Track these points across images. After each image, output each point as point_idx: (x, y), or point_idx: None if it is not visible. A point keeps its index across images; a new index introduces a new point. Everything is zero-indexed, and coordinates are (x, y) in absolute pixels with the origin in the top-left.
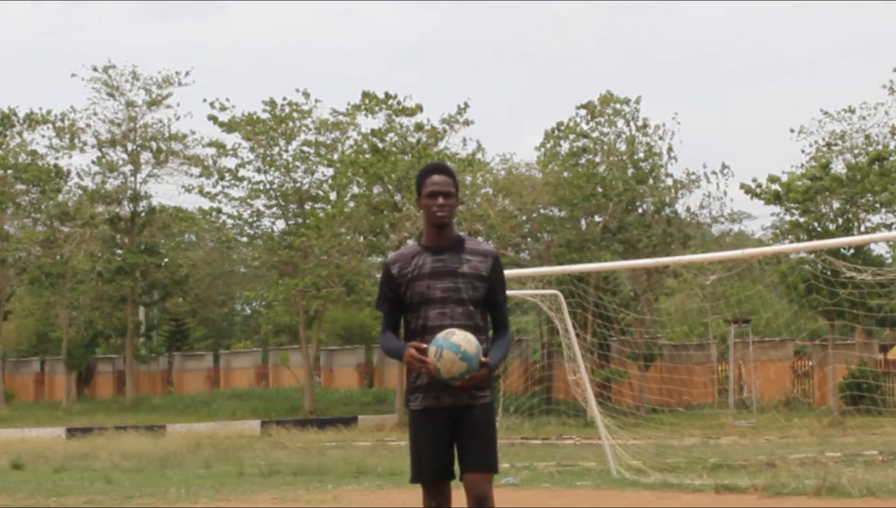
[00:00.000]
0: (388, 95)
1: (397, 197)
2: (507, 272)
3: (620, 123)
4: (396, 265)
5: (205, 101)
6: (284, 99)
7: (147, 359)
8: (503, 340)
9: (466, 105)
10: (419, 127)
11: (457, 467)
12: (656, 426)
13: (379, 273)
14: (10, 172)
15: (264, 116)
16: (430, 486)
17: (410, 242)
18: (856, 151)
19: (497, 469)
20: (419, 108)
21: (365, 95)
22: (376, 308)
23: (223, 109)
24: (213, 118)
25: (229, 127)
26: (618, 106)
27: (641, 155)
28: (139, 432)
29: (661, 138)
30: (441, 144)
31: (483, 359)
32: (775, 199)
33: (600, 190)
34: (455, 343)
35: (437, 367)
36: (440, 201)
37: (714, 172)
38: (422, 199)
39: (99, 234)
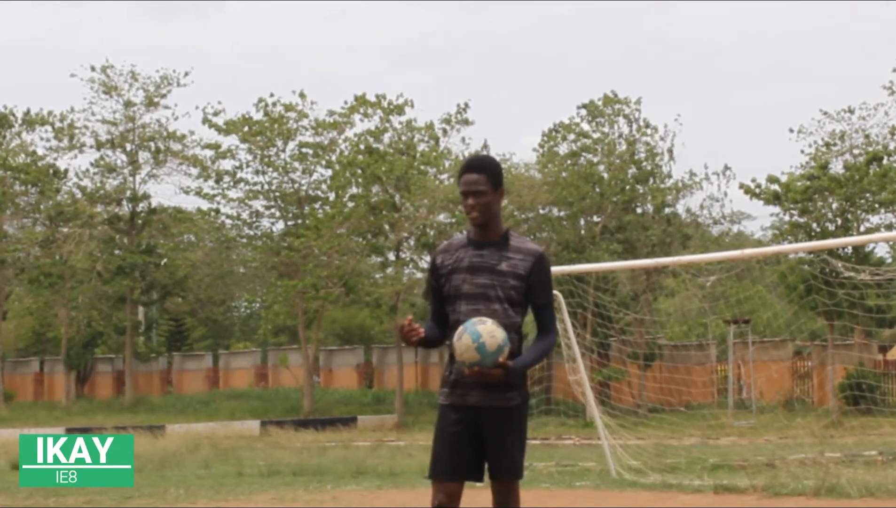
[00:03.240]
0: (379, 97)
1: (396, 197)
2: None
3: (623, 123)
4: (441, 256)
5: (197, 107)
6: (272, 95)
7: (146, 359)
8: (541, 343)
9: (467, 105)
10: (409, 125)
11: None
12: (656, 426)
13: (378, 274)
14: (9, 172)
15: (258, 116)
16: (441, 485)
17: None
18: (855, 152)
19: (521, 475)
20: (408, 103)
21: (358, 98)
22: (424, 298)
23: (216, 113)
24: (207, 121)
25: (226, 130)
26: (619, 107)
27: (643, 155)
28: (138, 432)
29: (662, 139)
30: (441, 145)
31: (501, 360)
32: (774, 199)
33: (598, 190)
34: (477, 332)
35: (454, 345)
36: (470, 201)
37: (715, 173)
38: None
39: (98, 234)
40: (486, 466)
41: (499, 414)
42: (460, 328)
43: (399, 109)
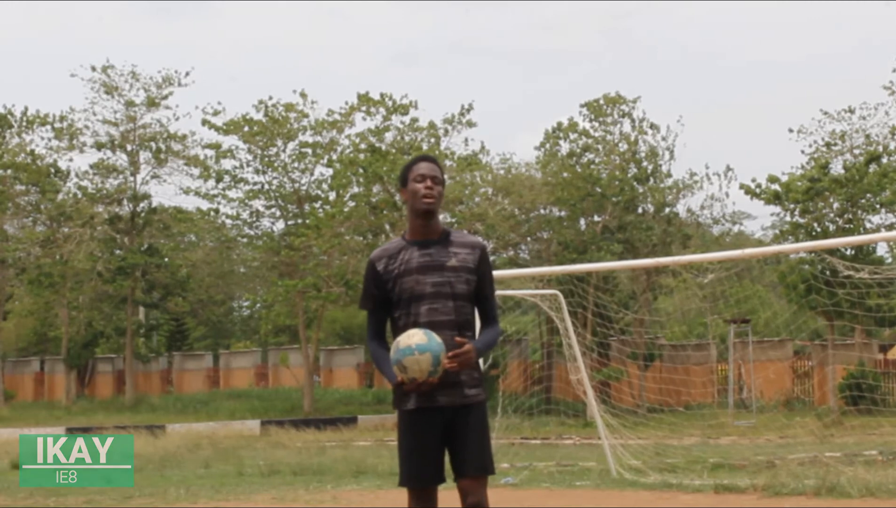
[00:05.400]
0: (383, 96)
1: (397, 197)
2: (507, 272)
3: (626, 123)
4: (382, 262)
5: (197, 107)
6: (270, 98)
7: (147, 359)
8: (493, 330)
9: (470, 106)
10: (413, 125)
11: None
12: (656, 425)
13: None
14: (9, 172)
15: (258, 116)
16: (422, 491)
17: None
18: (856, 152)
19: (493, 470)
20: (412, 104)
21: (361, 97)
22: (360, 307)
23: (216, 113)
24: (206, 122)
25: (226, 130)
26: (624, 108)
27: (643, 155)
28: (138, 431)
29: (664, 139)
30: (443, 145)
31: (459, 340)
32: (775, 199)
33: (598, 190)
34: (404, 348)
35: (412, 377)
36: (429, 183)
37: (717, 174)
38: (409, 185)
39: (98, 234)
40: (456, 465)
41: (470, 411)
42: (395, 371)
43: (403, 110)
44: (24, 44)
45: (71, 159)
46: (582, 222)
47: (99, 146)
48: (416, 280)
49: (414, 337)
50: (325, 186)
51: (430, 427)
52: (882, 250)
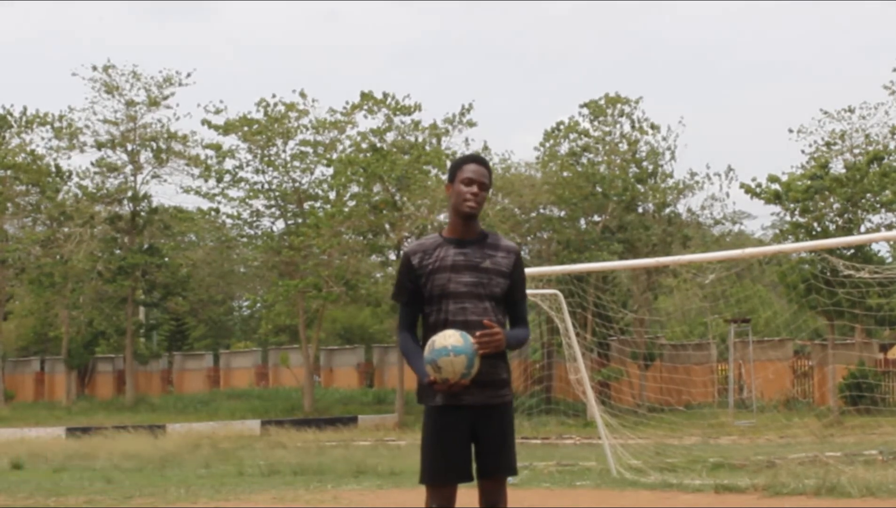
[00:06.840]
0: (386, 95)
1: (397, 196)
2: None
3: (626, 123)
4: (417, 256)
5: (199, 105)
6: (274, 96)
7: (147, 359)
8: (522, 330)
9: (471, 106)
10: (416, 125)
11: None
12: (656, 425)
13: (379, 273)
14: (9, 172)
15: (258, 116)
16: (440, 489)
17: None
18: (856, 151)
19: (516, 471)
20: (417, 106)
21: (364, 95)
22: (393, 299)
23: (218, 111)
24: (206, 122)
25: (225, 130)
26: (623, 107)
27: (644, 154)
28: (139, 431)
29: (664, 139)
30: (443, 144)
31: (487, 322)
32: (775, 198)
33: (599, 190)
34: (439, 349)
35: (445, 378)
36: (475, 188)
37: (717, 174)
38: (455, 184)
39: (98, 234)
40: (478, 465)
41: (496, 411)
42: (429, 369)
43: (406, 110)
44: (24, 44)
45: (70, 158)
46: (582, 221)
47: (99, 146)
48: (449, 278)
49: (450, 338)
50: (325, 185)
51: (456, 425)
52: (883, 249)
